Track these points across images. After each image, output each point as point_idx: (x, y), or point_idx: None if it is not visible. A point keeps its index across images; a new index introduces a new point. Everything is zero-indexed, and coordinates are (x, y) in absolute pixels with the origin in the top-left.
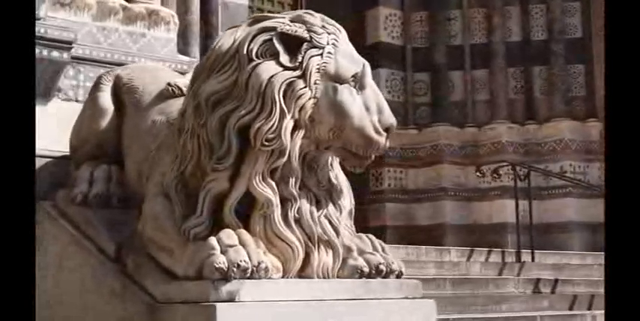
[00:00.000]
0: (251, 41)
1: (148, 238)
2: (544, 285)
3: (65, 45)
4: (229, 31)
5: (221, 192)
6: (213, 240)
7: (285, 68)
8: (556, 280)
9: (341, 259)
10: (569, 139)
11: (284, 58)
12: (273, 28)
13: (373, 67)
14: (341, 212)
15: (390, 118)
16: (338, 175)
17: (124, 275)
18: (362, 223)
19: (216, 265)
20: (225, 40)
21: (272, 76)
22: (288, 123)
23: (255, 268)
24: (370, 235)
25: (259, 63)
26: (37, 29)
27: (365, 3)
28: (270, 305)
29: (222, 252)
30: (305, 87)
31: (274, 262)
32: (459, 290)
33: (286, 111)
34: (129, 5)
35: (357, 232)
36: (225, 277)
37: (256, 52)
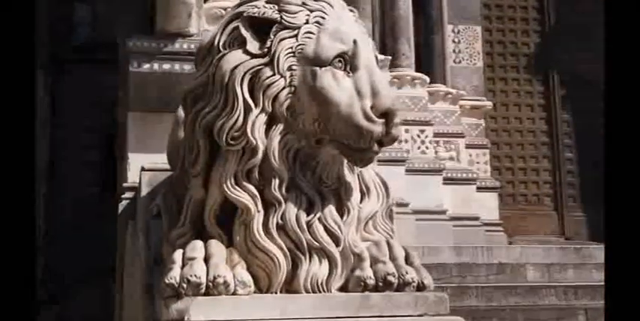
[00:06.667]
0: (222, 31)
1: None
2: None
3: None
4: None
5: (200, 199)
6: (178, 253)
7: (253, 56)
8: None
9: (341, 269)
10: None
11: (252, 46)
12: (242, 13)
13: None
14: (347, 214)
15: (386, 101)
16: (362, 172)
17: (150, 289)
18: None
19: (167, 281)
20: (211, 31)
21: (235, 67)
22: (257, 117)
23: (211, 284)
24: (392, 241)
25: (225, 54)
26: (187, 46)
27: None
28: None
29: (183, 266)
30: (273, 75)
31: (241, 275)
32: None
33: (252, 104)
34: None
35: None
36: (177, 293)
37: (224, 42)
